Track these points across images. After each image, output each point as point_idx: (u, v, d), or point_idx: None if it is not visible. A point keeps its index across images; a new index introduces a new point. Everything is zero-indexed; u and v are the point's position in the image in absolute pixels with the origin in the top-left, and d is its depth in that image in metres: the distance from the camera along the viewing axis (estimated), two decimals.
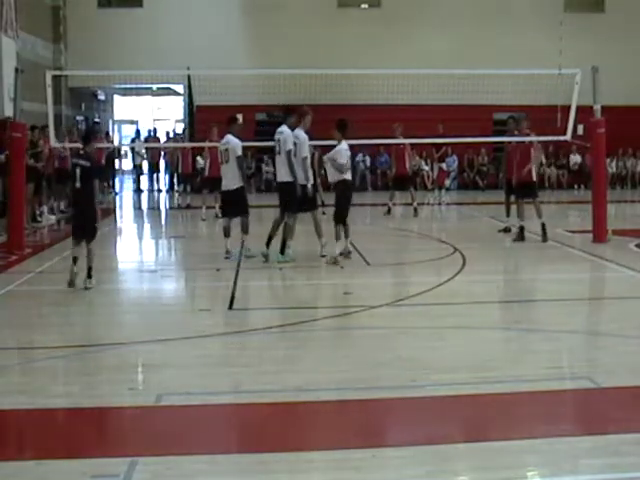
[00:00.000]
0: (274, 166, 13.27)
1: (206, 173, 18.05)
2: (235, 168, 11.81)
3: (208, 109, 22.70)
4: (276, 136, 11.74)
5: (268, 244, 11.60)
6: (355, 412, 5.56)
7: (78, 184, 9.73)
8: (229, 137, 12.00)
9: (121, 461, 4.58)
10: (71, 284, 9.63)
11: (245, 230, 12.03)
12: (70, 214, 10.10)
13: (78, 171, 9.71)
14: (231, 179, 11.89)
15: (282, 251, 11.52)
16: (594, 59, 14.88)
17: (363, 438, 5.07)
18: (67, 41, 25.27)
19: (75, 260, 9.74)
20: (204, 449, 4.83)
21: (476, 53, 23.80)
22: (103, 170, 10.56)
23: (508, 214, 14.55)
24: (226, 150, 11.87)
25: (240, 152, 11.93)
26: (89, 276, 9.71)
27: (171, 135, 28.31)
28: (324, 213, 15.66)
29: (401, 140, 17.92)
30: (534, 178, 13.82)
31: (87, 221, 9.88)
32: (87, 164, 9.78)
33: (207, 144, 17.96)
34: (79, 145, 19.10)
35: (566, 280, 10.25)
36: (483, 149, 26.30)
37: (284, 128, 11.67)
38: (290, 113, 11.97)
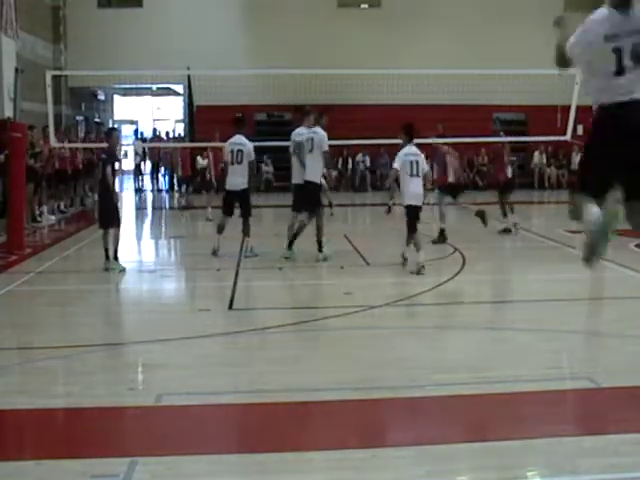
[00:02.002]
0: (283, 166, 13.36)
1: (209, 176, 17.96)
2: (246, 170, 11.92)
3: (208, 109, 22.73)
4: (308, 135, 11.64)
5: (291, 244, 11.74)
6: (355, 412, 5.56)
7: (100, 176, 11.00)
8: (243, 139, 12.02)
9: (121, 461, 4.58)
10: (107, 270, 10.80)
11: (248, 232, 12.08)
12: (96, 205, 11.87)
13: (101, 164, 11.01)
14: (240, 180, 11.94)
15: (290, 246, 11.58)
16: None
17: (363, 438, 5.07)
18: (67, 41, 25.27)
19: (107, 251, 10.84)
20: (204, 449, 4.83)
21: (476, 53, 23.82)
22: (114, 157, 11.29)
23: (505, 214, 14.59)
24: (239, 151, 11.88)
25: (254, 156, 12.08)
26: (115, 257, 10.85)
27: (171, 135, 28.30)
28: (332, 214, 15.81)
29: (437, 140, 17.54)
30: (508, 176, 14.46)
31: (108, 209, 10.94)
32: (105, 156, 10.94)
33: (210, 144, 17.97)
34: (80, 145, 19.42)
35: (566, 280, 10.24)
36: (483, 149, 26.28)
37: (318, 129, 11.65)
38: (323, 113, 11.91)
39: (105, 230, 10.96)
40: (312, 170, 11.55)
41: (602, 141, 4.50)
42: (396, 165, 11.14)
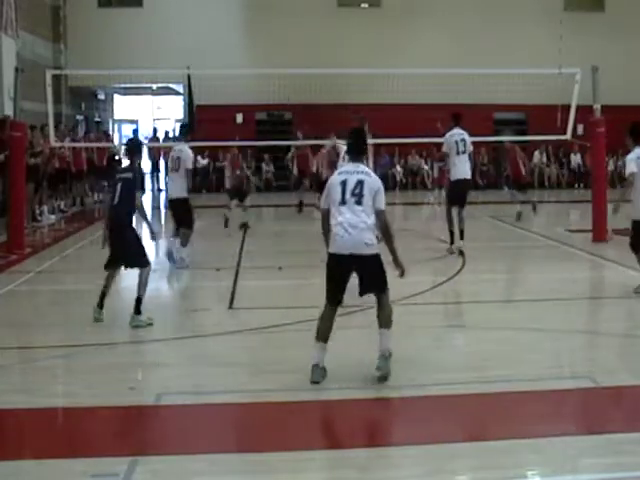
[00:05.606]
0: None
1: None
2: (184, 178, 11.15)
3: (208, 109, 22.71)
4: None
5: None
6: (355, 412, 5.56)
7: (117, 200, 8.04)
8: (181, 145, 11.44)
9: (121, 460, 4.58)
10: (98, 320, 8.00)
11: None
12: (107, 237, 8.17)
13: (119, 186, 8.04)
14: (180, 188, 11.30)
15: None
16: (594, 58, 14.87)
17: (363, 438, 5.07)
18: (67, 40, 25.24)
19: (103, 295, 8.11)
20: (204, 449, 4.82)
21: (476, 52, 23.79)
22: (143, 180, 8.93)
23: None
24: (177, 158, 11.18)
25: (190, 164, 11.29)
26: (137, 311, 7.84)
27: (170, 135, 28.23)
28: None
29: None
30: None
31: (128, 245, 8.10)
32: (129, 176, 8.11)
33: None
34: (79, 145, 19.40)
35: (566, 279, 10.23)
36: (483, 149, 26.26)
37: None
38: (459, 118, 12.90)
39: (113, 271, 8.29)
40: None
41: None
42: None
